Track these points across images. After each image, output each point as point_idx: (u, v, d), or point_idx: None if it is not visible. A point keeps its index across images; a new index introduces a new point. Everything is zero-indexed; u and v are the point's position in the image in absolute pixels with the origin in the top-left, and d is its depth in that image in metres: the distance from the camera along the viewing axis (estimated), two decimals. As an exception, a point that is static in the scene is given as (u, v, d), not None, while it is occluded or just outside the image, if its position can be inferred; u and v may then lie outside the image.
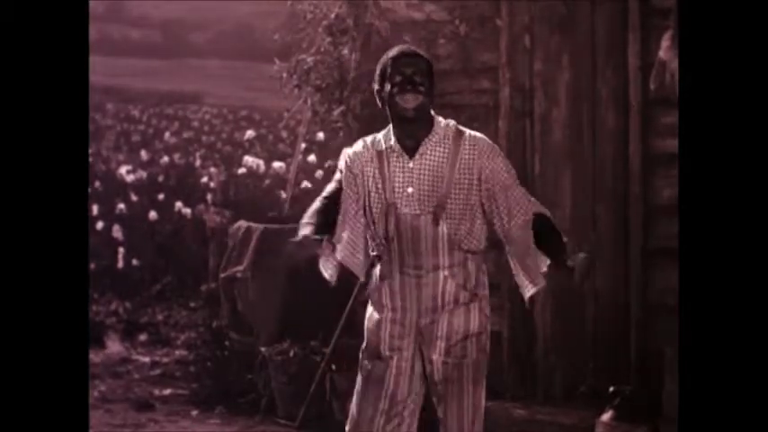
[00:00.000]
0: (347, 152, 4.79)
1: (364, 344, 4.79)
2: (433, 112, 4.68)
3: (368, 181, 4.67)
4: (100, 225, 12.30)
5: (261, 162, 13.06)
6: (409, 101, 4.56)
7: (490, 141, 4.72)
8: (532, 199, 4.76)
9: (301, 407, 7.34)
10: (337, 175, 4.80)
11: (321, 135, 11.06)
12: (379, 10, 7.68)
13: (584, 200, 7.18)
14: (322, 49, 7.93)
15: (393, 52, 4.69)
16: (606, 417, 6.46)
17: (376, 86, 4.69)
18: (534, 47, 7.31)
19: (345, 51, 7.83)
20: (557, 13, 7.22)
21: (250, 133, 16.28)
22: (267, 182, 12.77)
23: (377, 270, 4.75)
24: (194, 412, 7.91)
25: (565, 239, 4.73)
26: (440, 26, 7.55)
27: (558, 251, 4.69)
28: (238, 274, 8.29)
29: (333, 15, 7.87)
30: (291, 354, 7.56)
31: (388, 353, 4.68)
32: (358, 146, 4.76)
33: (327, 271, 4.72)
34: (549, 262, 4.70)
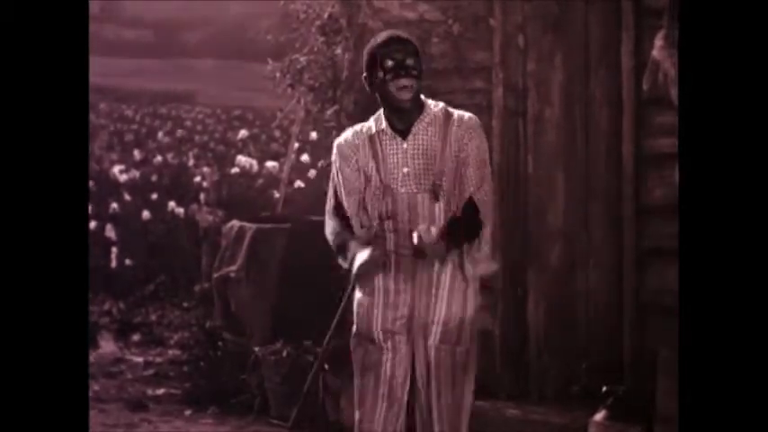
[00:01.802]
0: (338, 141, 4.80)
1: (355, 329, 4.76)
2: (422, 96, 4.70)
3: (361, 165, 4.67)
4: (93, 225, 12.29)
5: (254, 162, 13.07)
6: (403, 90, 4.56)
7: (477, 121, 4.73)
8: (484, 188, 4.73)
9: (294, 407, 7.34)
10: (332, 175, 4.81)
11: (314, 135, 11.06)
12: (372, 10, 7.69)
13: (577, 200, 7.19)
14: (315, 49, 7.93)
15: (382, 38, 4.68)
16: (599, 417, 6.46)
17: (365, 73, 4.69)
18: (527, 47, 7.31)
19: (338, 51, 7.83)
20: (550, 13, 7.22)
21: (243, 133, 16.29)
22: (260, 181, 12.77)
23: None
24: (187, 412, 7.90)
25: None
26: (433, 26, 7.55)
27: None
28: (231, 274, 8.29)
29: (326, 15, 7.88)
30: (284, 354, 7.56)
31: (381, 336, 4.66)
32: (347, 133, 4.78)
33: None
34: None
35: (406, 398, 4.69)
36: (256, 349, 7.73)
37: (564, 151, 7.21)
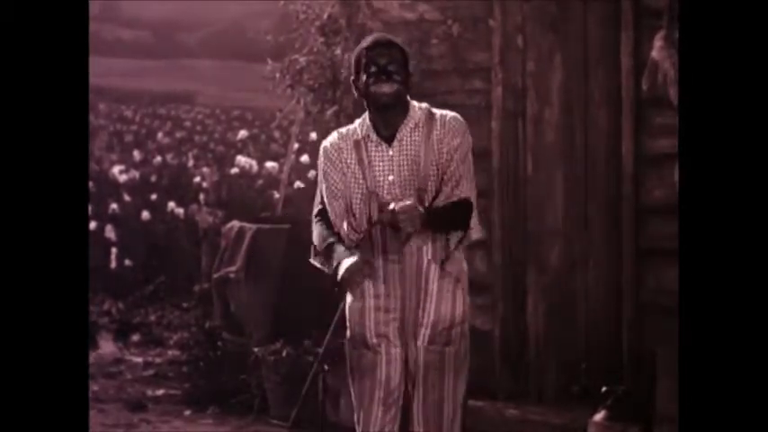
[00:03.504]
0: (324, 145, 4.80)
1: (348, 334, 4.78)
2: (408, 98, 4.69)
3: (347, 170, 4.68)
4: (93, 225, 12.28)
5: (253, 162, 13.06)
6: (384, 89, 4.57)
7: (461, 120, 4.72)
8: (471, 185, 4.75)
9: (294, 407, 7.34)
10: (319, 176, 4.80)
11: (314, 135, 11.06)
12: (371, 10, 7.69)
13: (576, 200, 7.19)
14: (315, 50, 7.93)
15: (367, 42, 4.70)
16: (598, 417, 6.46)
17: (352, 77, 4.71)
18: (527, 47, 7.32)
19: (338, 52, 7.83)
20: (549, 14, 7.23)
21: (243, 133, 16.28)
22: (260, 182, 12.77)
23: None
24: (187, 412, 7.91)
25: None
26: (432, 26, 7.56)
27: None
28: (231, 275, 8.29)
29: (325, 16, 7.87)
30: (284, 354, 7.56)
31: (375, 340, 4.67)
32: (333, 137, 4.77)
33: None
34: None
35: (401, 400, 4.70)
36: (256, 349, 7.73)
37: (563, 151, 7.22)
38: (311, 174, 11.64)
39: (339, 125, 7.63)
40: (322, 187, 4.78)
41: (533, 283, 7.29)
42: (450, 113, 4.73)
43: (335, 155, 4.72)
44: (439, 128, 4.67)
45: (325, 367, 7.21)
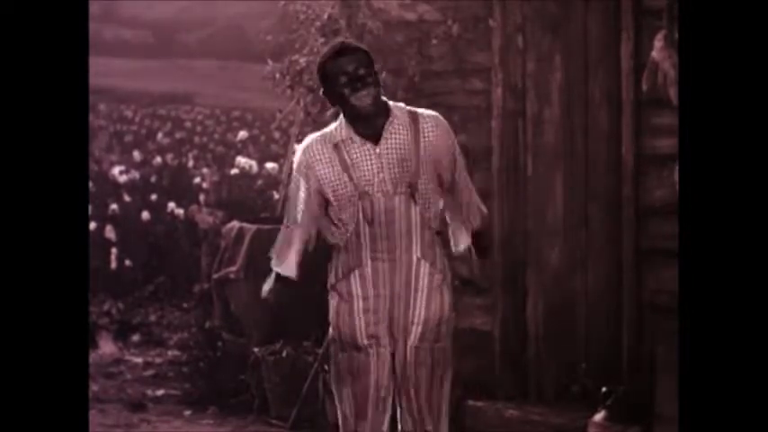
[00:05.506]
0: (298, 150, 4.80)
1: (335, 336, 4.76)
2: (384, 98, 4.69)
3: (326, 174, 4.66)
4: (93, 225, 12.28)
5: (253, 163, 13.05)
6: (364, 98, 4.56)
7: (441, 117, 4.76)
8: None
9: (293, 407, 7.35)
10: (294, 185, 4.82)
11: (314, 136, 11.05)
12: (371, 10, 7.68)
13: (576, 200, 7.19)
14: (315, 50, 7.92)
15: (328, 53, 4.67)
16: (598, 417, 6.47)
17: (322, 89, 4.70)
18: (527, 47, 7.31)
19: (338, 52, 7.82)
20: (549, 14, 7.23)
21: (243, 134, 16.28)
22: (260, 182, 12.76)
23: (341, 261, 4.74)
24: (187, 413, 7.91)
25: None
26: (432, 26, 7.55)
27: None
28: (231, 275, 8.29)
29: (325, 16, 7.87)
30: (284, 354, 7.56)
31: (366, 341, 4.67)
32: (307, 142, 4.77)
33: (268, 285, 5.06)
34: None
35: (391, 400, 4.70)
36: (256, 350, 7.74)
37: (563, 152, 7.22)
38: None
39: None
40: (298, 198, 4.79)
41: (533, 283, 7.29)
42: (430, 112, 4.75)
43: (307, 160, 4.71)
44: (429, 128, 4.68)
45: (325, 367, 7.22)
